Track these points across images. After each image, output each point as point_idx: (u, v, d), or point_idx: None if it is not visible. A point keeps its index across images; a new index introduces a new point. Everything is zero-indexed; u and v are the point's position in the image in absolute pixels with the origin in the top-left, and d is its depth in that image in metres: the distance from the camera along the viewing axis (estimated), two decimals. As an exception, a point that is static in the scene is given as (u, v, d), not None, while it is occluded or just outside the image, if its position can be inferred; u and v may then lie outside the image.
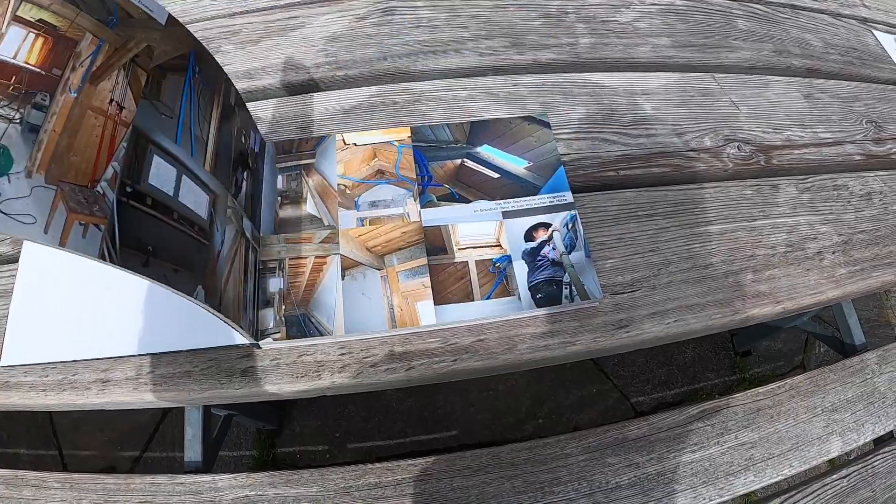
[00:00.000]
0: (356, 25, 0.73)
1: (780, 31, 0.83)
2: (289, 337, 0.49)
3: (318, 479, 0.64)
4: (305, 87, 0.68)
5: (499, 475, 0.66)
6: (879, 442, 0.77)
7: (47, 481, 0.63)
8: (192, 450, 0.74)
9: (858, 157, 0.68)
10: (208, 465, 0.74)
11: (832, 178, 0.66)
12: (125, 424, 1.09)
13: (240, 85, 0.68)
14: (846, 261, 0.59)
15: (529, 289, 0.52)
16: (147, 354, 0.50)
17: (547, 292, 0.52)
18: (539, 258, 0.54)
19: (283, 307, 0.51)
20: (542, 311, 0.51)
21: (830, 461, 0.74)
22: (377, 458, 1.08)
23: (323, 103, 0.65)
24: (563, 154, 0.62)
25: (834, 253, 0.59)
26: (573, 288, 0.52)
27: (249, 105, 0.65)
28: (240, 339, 0.49)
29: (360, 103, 0.65)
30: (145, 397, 0.48)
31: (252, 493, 0.62)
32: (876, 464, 0.75)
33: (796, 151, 0.67)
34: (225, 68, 0.70)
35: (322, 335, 0.49)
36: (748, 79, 0.73)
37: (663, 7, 0.81)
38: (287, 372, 0.49)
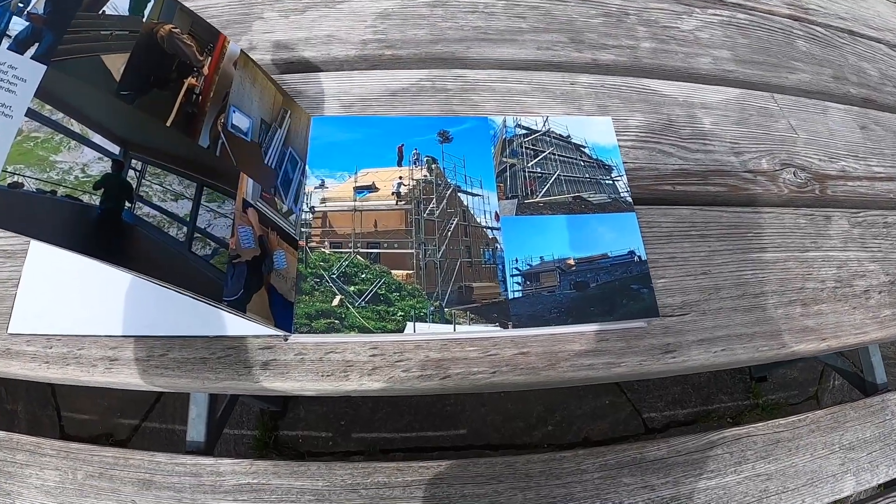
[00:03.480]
0: (409, 4, 0.70)
1: (839, 56, 0.80)
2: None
3: (324, 474, 0.61)
4: (351, 63, 0.65)
5: (511, 485, 0.64)
6: (890, 485, 0.76)
7: (43, 447, 0.60)
8: (196, 429, 0.71)
9: (909, 196, 0.66)
10: (211, 445, 0.72)
11: (883, 215, 0.63)
12: (126, 392, 1.06)
13: (280, 55, 0.64)
14: (891, 301, 0.57)
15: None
16: (161, 337, 0.47)
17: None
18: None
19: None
20: (588, 328, 0.49)
21: (838, 501, 0.72)
22: (381, 451, 1.06)
23: (368, 82, 0.62)
24: (623, 162, 0.60)
25: (881, 293, 0.57)
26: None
27: (289, 77, 0.62)
28: (264, 328, 0.46)
29: (409, 86, 0.61)
30: (155, 381, 0.46)
31: (255, 480, 0.60)
32: (885, 506, 0.74)
33: (850, 183, 0.65)
34: (265, 36, 0.67)
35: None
36: (807, 102, 0.71)
37: (724, 19, 0.78)
38: (312, 369, 0.46)
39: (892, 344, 1.29)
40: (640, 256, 0.53)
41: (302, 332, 0.46)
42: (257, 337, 0.47)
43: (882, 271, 0.59)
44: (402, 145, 0.56)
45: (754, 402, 1.20)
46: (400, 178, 0.55)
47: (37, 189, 0.35)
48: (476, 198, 0.55)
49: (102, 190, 0.38)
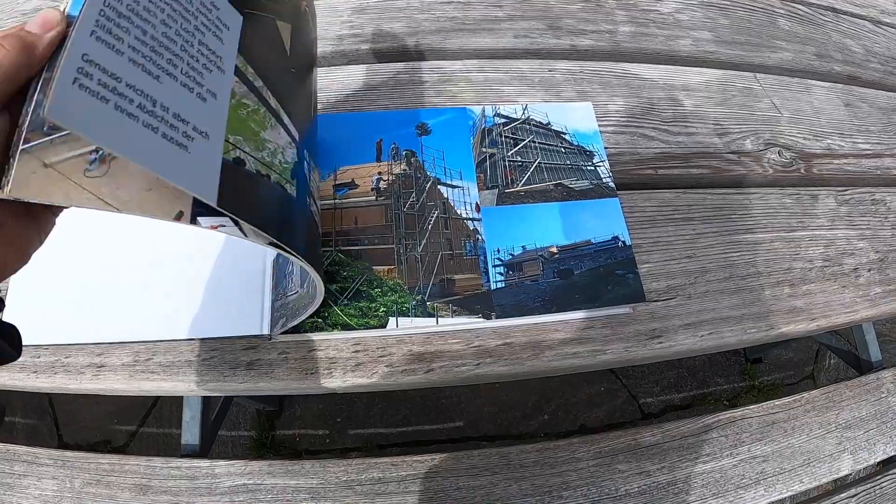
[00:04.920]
0: (383, -3, 0.69)
1: (822, 34, 0.80)
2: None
3: (319, 471, 0.61)
4: (328, 59, 0.64)
5: (506, 476, 0.64)
6: (888, 463, 0.76)
7: (40, 457, 0.60)
8: (190, 432, 0.71)
9: (897, 172, 0.66)
10: (206, 448, 0.72)
11: (870, 192, 0.63)
12: (123, 397, 1.06)
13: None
14: (881, 279, 0.57)
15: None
16: (146, 341, 0.47)
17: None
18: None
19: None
20: (572, 316, 0.48)
21: (835, 481, 0.72)
22: (379, 446, 1.06)
23: (346, 79, 0.61)
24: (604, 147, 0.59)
25: (870, 270, 0.57)
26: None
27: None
28: (246, 328, 0.46)
29: (387, 80, 0.61)
30: (142, 386, 0.46)
31: (250, 481, 0.59)
32: (885, 485, 0.74)
33: (836, 161, 0.65)
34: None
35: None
36: (790, 81, 0.70)
37: (704, 0, 0.77)
38: (296, 367, 0.46)
39: (886, 321, 1.29)
40: (624, 241, 0.53)
41: (285, 332, 0.46)
42: (241, 337, 0.47)
43: (871, 248, 0.59)
44: (381, 140, 0.56)
45: (750, 384, 1.19)
46: (379, 173, 0.54)
47: (256, 170, 0.30)
48: (456, 189, 0.54)
49: (296, 181, 0.34)
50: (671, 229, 0.54)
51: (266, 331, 0.46)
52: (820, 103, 0.69)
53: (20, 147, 0.22)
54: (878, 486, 0.73)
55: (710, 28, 0.73)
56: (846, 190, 0.62)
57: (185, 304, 0.48)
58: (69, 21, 0.24)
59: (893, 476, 0.75)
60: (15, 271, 0.27)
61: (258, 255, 0.49)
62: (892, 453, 0.74)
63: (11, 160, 0.22)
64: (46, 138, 0.23)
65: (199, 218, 0.27)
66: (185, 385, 0.46)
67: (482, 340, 0.47)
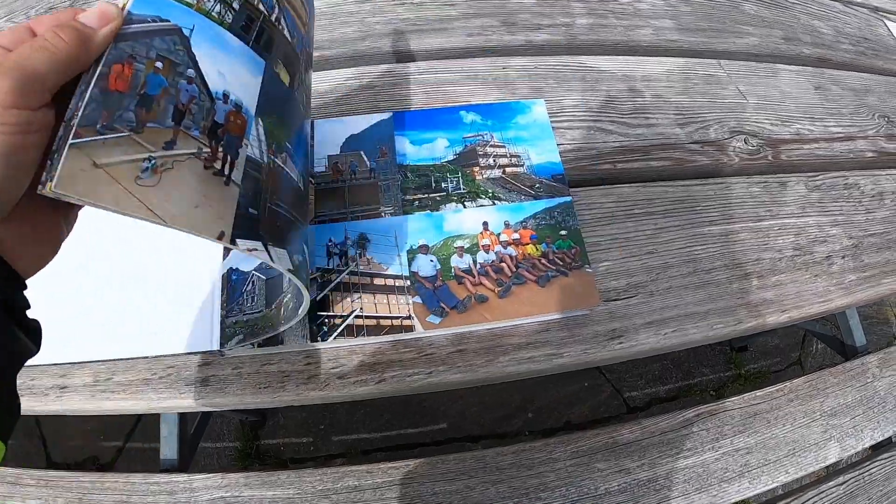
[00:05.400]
0: (337, 2, 0.68)
1: (790, 16, 0.78)
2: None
3: (294, 481, 0.61)
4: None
5: (483, 479, 0.63)
6: (877, 448, 0.75)
7: (23, 478, 0.60)
8: (168, 447, 0.71)
9: (870, 154, 0.64)
10: (185, 462, 0.72)
11: (843, 177, 0.62)
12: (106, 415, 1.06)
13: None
14: (856, 266, 0.56)
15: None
16: (106, 361, 0.46)
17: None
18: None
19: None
20: (527, 321, 0.47)
21: (827, 467, 0.71)
22: (363, 452, 1.05)
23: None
24: (557, 144, 0.58)
25: (844, 257, 0.56)
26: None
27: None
28: (199, 345, 0.45)
29: (336, 86, 0.60)
30: (104, 405, 0.46)
31: (228, 493, 0.59)
32: (873, 470, 0.73)
33: (806, 146, 0.63)
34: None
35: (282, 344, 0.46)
36: (756, 67, 0.68)
37: (667, -13, 0.75)
38: (249, 382, 0.45)
39: (872, 303, 1.27)
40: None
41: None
42: (195, 353, 0.47)
43: (845, 234, 0.57)
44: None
45: (736, 373, 1.18)
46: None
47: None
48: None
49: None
50: (630, 225, 0.53)
51: (216, 346, 0.46)
52: (788, 88, 0.68)
53: (69, 141, 0.21)
54: (867, 472, 0.72)
55: (672, 16, 0.72)
56: (817, 175, 0.61)
57: (140, 323, 0.47)
58: (128, 18, 0.24)
59: (882, 461, 0.74)
60: (47, 263, 0.27)
61: (208, 272, 0.49)
62: (881, 438, 0.73)
63: (57, 155, 0.21)
64: (99, 137, 0.22)
65: (237, 240, 0.27)
66: (144, 403, 0.46)
67: (435, 349, 0.46)
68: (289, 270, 0.32)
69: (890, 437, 0.74)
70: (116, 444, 1.05)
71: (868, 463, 0.73)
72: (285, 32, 0.37)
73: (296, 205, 0.36)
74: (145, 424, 1.07)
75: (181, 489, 0.59)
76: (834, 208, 0.59)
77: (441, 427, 1.06)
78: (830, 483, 0.71)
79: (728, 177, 0.59)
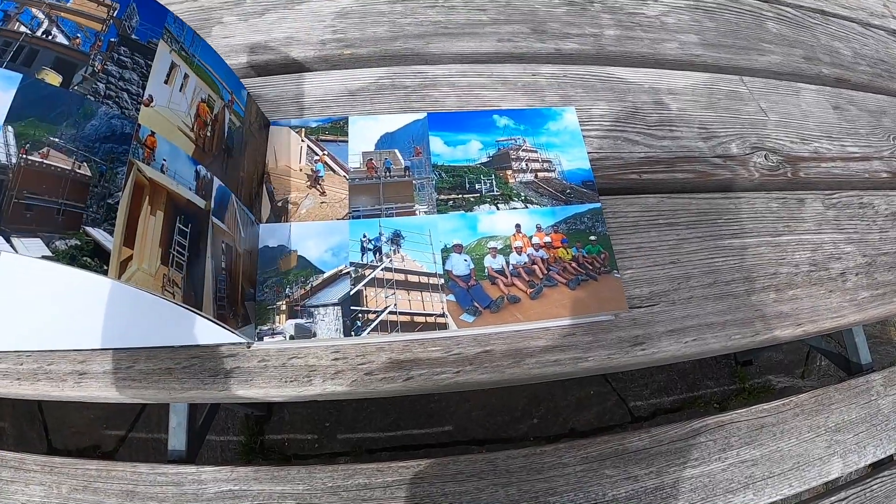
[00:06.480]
0: (368, 2, 0.69)
1: (811, 36, 0.79)
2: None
3: (305, 477, 0.61)
4: (310, 64, 0.64)
5: (493, 482, 0.63)
6: (878, 466, 0.76)
7: (27, 463, 0.60)
8: (177, 438, 0.71)
9: (885, 175, 0.66)
10: (192, 454, 0.71)
11: (858, 196, 0.63)
12: (111, 403, 1.05)
13: (240, 60, 0.63)
14: (869, 283, 0.57)
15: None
16: (127, 349, 0.46)
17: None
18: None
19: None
20: (553, 324, 0.48)
21: (828, 483, 0.72)
22: (367, 451, 1.05)
23: (327, 83, 0.61)
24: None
25: (857, 274, 0.57)
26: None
27: (250, 81, 0.61)
28: (227, 337, 0.45)
29: (369, 85, 0.60)
30: (124, 393, 0.45)
31: (236, 487, 0.59)
32: (875, 487, 0.74)
33: (824, 165, 0.64)
34: (225, 41, 0.66)
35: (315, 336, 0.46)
36: (777, 84, 0.70)
37: (691, 3, 0.77)
38: (275, 375, 0.46)
39: (877, 322, 1.29)
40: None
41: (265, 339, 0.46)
42: (220, 345, 0.47)
43: (859, 252, 0.58)
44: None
45: (740, 387, 1.19)
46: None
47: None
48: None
49: None
50: (654, 234, 0.54)
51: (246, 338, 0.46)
52: (808, 106, 0.69)
53: None
54: (868, 489, 0.73)
55: (697, 31, 0.73)
56: (833, 193, 0.62)
57: (167, 311, 0.47)
58: None
59: (883, 479, 0.75)
60: None
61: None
62: (882, 456, 0.74)
63: None
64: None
65: None
66: (165, 393, 0.46)
67: (462, 348, 0.47)
68: (44, 257, 0.33)
69: (891, 455, 0.75)
70: (119, 432, 1.04)
71: (869, 480, 0.74)
72: (59, 38, 0.41)
73: (72, 191, 0.37)
74: (149, 414, 1.06)
75: (189, 481, 0.59)
76: (849, 226, 0.60)
77: (446, 429, 1.06)
78: (832, 498, 0.71)
79: (748, 191, 0.60)
